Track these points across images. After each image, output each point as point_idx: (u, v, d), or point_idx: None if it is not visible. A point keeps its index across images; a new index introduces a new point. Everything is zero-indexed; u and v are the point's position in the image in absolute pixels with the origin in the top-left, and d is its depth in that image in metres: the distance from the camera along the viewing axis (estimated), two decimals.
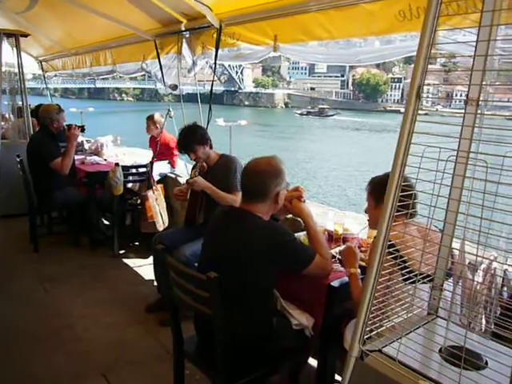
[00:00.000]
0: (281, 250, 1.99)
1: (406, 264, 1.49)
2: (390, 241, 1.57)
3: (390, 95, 79.05)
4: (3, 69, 5.88)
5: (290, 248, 2.04)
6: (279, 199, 2.08)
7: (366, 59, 3.16)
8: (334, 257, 2.36)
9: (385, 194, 1.27)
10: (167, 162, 5.33)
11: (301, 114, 67.03)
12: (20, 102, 6.06)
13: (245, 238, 1.99)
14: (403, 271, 1.45)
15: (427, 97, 1.22)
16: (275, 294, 2.19)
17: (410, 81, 1.11)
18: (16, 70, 5.95)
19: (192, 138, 3.30)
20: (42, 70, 8.61)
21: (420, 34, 1.09)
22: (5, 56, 5.84)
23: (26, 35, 5.95)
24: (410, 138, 1.12)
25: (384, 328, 1.36)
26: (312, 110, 68.24)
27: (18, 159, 4.67)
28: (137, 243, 4.90)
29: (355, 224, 2.85)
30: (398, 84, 77.61)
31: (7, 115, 6.36)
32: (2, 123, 6.04)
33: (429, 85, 1.11)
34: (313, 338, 2.20)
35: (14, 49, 5.90)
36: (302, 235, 2.56)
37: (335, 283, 2.13)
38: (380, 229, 1.21)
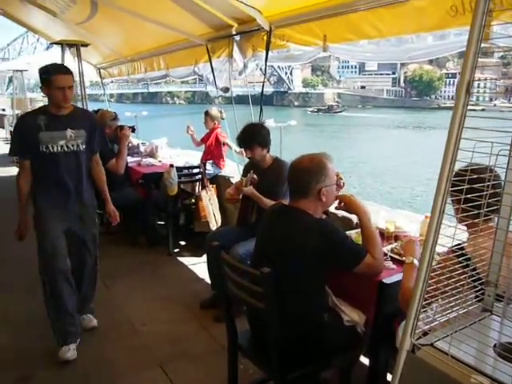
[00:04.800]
0: (331, 248, 2.01)
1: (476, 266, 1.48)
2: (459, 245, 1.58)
3: (445, 91, 76.23)
4: None
5: (341, 246, 2.05)
6: (322, 195, 2.07)
7: (418, 56, 3.09)
8: (385, 254, 2.36)
9: (458, 192, 1.26)
10: (211, 162, 5.38)
11: (312, 112, 71.39)
12: None
13: (295, 235, 2.02)
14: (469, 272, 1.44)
15: (477, 92, 1.22)
16: (327, 290, 2.21)
17: (460, 76, 1.12)
18: (77, 78, 6.26)
19: (254, 137, 3.30)
20: (101, 77, 9.01)
21: (469, 29, 1.10)
22: (67, 65, 6.16)
23: (86, 45, 6.23)
24: (460, 133, 1.13)
25: (437, 323, 1.36)
26: (322, 108, 73.89)
27: None
28: (190, 242, 5.04)
29: (408, 222, 2.83)
30: (452, 80, 74.18)
31: None
32: None
33: (479, 80, 1.11)
34: (365, 335, 2.21)
35: (76, 58, 6.21)
36: (353, 233, 2.57)
37: (387, 280, 2.11)
38: (431, 222, 1.21)
